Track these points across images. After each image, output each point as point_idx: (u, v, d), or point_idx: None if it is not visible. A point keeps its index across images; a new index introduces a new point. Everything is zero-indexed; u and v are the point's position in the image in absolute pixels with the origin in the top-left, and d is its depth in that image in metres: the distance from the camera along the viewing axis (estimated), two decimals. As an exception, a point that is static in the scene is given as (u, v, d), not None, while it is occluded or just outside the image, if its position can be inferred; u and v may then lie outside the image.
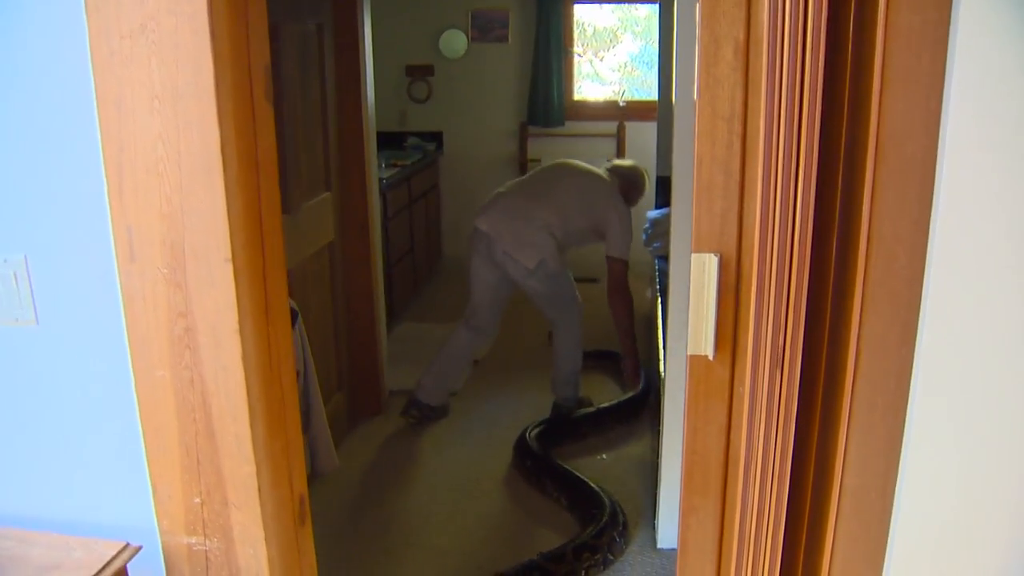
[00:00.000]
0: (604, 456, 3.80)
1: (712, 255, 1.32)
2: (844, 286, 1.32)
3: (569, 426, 3.97)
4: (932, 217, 1.24)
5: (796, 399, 1.33)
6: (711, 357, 1.38)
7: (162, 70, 1.34)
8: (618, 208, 3.91)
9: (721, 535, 1.49)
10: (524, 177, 4.21)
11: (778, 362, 1.31)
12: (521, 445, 3.70)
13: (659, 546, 3.09)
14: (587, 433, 3.94)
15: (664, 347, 3.03)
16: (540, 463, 3.56)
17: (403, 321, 5.47)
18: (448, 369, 4.07)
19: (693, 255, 1.33)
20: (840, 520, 1.40)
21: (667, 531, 3.06)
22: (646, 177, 4.23)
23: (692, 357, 1.39)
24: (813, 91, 1.21)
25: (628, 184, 4.08)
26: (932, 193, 1.23)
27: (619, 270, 3.94)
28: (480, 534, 3.22)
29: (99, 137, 1.39)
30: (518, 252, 3.75)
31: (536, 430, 3.78)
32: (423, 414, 4.04)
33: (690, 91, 2.50)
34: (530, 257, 3.75)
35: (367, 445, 3.92)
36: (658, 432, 3.28)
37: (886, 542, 1.39)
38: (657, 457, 3.25)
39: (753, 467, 1.36)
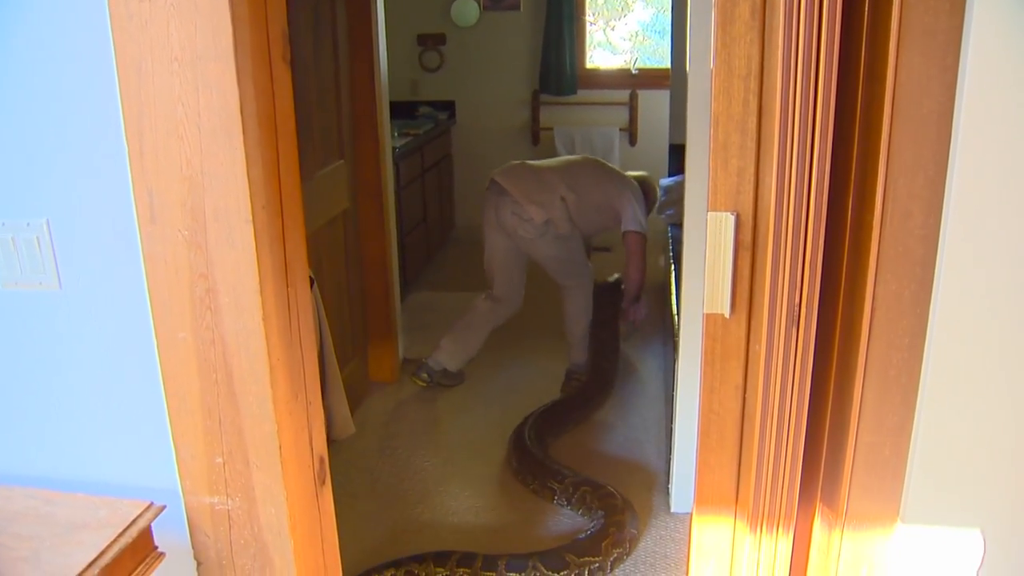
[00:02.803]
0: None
1: (728, 214, 1.33)
2: (859, 244, 1.33)
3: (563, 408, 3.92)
4: (948, 175, 1.24)
5: (812, 357, 1.34)
6: (727, 315, 1.39)
7: (181, 32, 1.34)
8: (634, 191, 3.97)
9: (737, 493, 1.50)
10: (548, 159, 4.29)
11: (794, 320, 1.32)
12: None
13: (673, 510, 3.11)
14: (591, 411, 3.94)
15: (678, 313, 3.03)
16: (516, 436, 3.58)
17: (416, 290, 5.49)
18: (466, 337, 4.10)
19: (709, 213, 1.34)
20: (855, 476, 1.41)
21: (681, 496, 3.08)
22: (658, 188, 4.28)
23: (708, 316, 1.40)
24: (830, 48, 1.21)
25: (642, 187, 4.11)
26: (948, 151, 1.23)
27: (636, 239, 3.94)
28: (491, 498, 3.26)
29: (119, 100, 1.40)
30: (526, 208, 3.79)
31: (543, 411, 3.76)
32: (433, 378, 4.07)
33: (705, 56, 2.49)
34: (537, 213, 3.78)
35: (382, 412, 3.96)
36: (671, 398, 3.29)
37: (900, 497, 1.41)
38: (670, 423, 3.27)
39: (769, 425, 1.38)
